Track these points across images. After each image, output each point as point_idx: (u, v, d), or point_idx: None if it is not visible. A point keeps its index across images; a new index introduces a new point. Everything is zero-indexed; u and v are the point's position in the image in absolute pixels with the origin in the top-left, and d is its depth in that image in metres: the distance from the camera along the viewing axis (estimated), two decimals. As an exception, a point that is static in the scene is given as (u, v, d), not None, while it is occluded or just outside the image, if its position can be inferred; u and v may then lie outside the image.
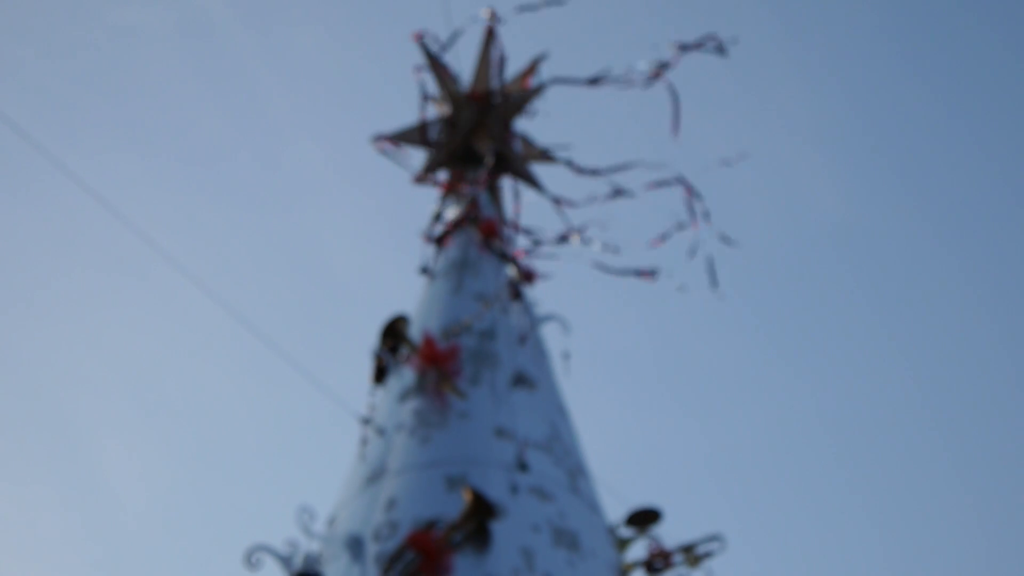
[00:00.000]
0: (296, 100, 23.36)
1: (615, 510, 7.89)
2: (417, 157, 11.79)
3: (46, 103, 22.40)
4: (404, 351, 8.58)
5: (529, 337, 9.10)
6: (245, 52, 23.77)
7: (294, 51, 23.70)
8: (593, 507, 7.69)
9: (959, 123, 25.26)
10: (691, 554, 7.64)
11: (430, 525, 6.77)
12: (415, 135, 11.72)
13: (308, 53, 23.77)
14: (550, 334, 9.56)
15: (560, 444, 7.95)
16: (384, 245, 22.20)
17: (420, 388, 8.16)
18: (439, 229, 10.77)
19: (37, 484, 22.63)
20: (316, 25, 23.56)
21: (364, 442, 8.05)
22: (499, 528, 6.84)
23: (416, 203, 11.40)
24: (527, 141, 11.86)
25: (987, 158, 25.16)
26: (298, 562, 6.93)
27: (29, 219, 22.50)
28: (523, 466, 7.45)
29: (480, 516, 6.80)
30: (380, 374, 8.68)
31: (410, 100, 11.94)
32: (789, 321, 24.83)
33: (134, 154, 23.20)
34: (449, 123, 11.65)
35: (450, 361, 8.26)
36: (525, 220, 11.42)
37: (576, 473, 7.79)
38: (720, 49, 11.85)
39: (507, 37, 12.13)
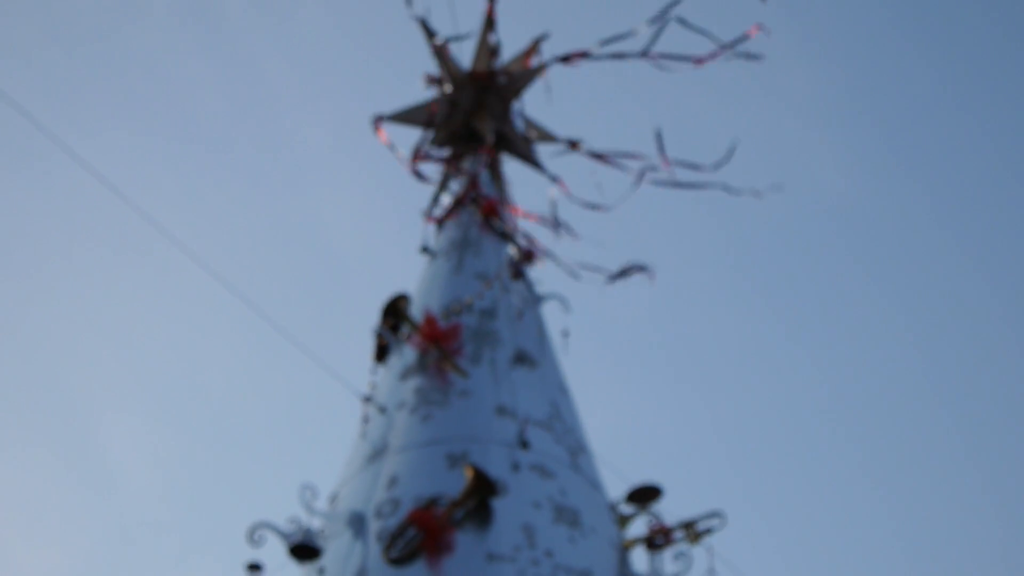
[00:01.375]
0: (300, 80, 23.36)
1: (616, 487, 7.93)
2: (413, 136, 11.78)
3: (50, 83, 22.40)
4: (405, 330, 8.60)
5: (529, 316, 9.12)
6: (250, 32, 23.75)
7: (298, 32, 23.69)
8: (594, 484, 7.72)
9: (957, 102, 25.24)
10: (692, 530, 7.66)
11: (431, 502, 6.80)
12: (416, 115, 11.72)
13: (312, 34, 23.75)
14: (550, 313, 9.59)
15: (561, 422, 7.98)
16: (386, 224, 22.23)
17: (421, 367, 8.18)
18: (440, 209, 10.79)
19: (41, 462, 22.71)
20: (320, 6, 23.53)
21: (366, 420, 8.08)
22: (500, 505, 6.87)
23: (418, 182, 11.40)
24: (528, 121, 11.87)
25: (984, 136, 25.15)
26: (299, 537, 6.97)
27: (33, 199, 22.53)
28: (524, 444, 7.47)
29: (481, 493, 6.83)
30: (381, 353, 8.70)
31: (413, 81, 11.95)
32: (790, 297, 24.87)
33: (138, 134, 23.22)
34: (450, 103, 11.64)
35: (451, 340, 8.28)
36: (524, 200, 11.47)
37: (577, 451, 7.82)
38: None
39: (508, 18, 12.13)
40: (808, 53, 24.69)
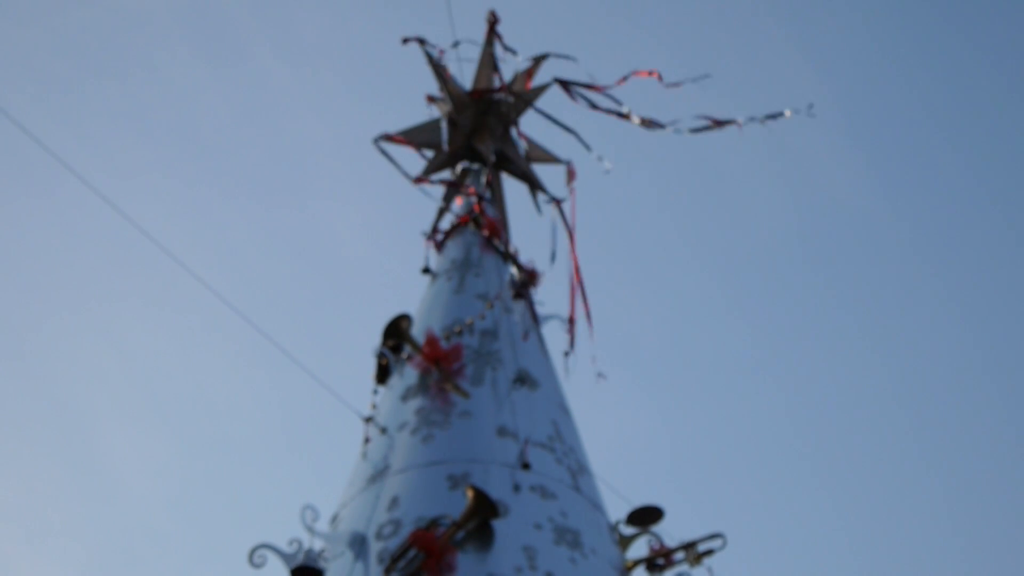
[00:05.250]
0: (305, 94, 23.40)
1: (617, 508, 7.93)
2: (415, 156, 11.79)
3: (48, 89, 22.44)
4: (407, 350, 8.61)
5: (530, 336, 9.13)
6: (254, 46, 23.79)
7: (303, 46, 23.73)
8: (595, 505, 7.72)
9: (968, 112, 25.26)
10: (692, 552, 7.67)
11: (433, 523, 6.80)
12: (418, 135, 11.73)
13: (317, 48, 23.81)
14: (552, 333, 9.60)
15: (562, 442, 7.98)
16: (390, 243, 22.26)
17: (423, 387, 8.19)
18: (442, 229, 10.80)
19: (43, 475, 22.72)
20: (324, 12, 23.58)
21: (367, 441, 8.09)
22: (501, 526, 6.87)
23: (423, 200, 11.43)
24: (530, 141, 11.89)
25: (999, 145, 25.15)
26: (300, 559, 6.97)
27: (34, 211, 22.57)
28: (525, 465, 7.48)
29: (482, 514, 6.84)
30: (383, 373, 8.71)
31: (418, 92, 11.97)
32: (797, 315, 24.82)
33: (140, 146, 23.28)
34: (451, 123, 11.65)
35: (452, 360, 8.29)
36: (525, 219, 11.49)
37: (578, 471, 7.83)
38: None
39: (509, 37, 12.17)
40: (818, 61, 24.72)
